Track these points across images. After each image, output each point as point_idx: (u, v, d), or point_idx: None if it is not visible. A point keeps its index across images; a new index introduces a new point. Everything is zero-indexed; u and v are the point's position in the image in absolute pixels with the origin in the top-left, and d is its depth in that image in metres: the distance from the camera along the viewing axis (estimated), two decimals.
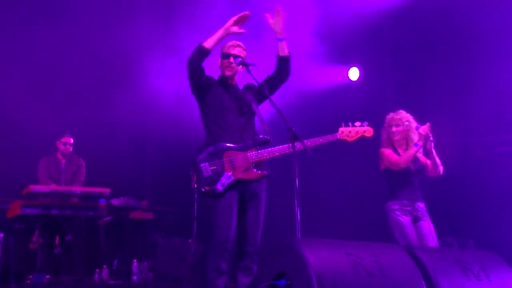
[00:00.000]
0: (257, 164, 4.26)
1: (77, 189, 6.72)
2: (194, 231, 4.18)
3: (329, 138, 4.38)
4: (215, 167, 4.18)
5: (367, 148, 7.90)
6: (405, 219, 5.23)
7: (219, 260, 4.05)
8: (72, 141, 7.22)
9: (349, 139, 4.43)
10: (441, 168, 5.33)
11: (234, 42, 4.44)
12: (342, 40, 8.07)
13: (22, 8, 7.67)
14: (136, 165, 8.52)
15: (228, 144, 4.25)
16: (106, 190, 6.65)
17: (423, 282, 3.15)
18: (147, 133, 8.77)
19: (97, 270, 6.15)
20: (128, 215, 6.86)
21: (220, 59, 4.46)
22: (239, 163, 4.22)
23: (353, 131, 4.44)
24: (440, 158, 5.37)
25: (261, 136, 4.34)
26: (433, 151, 5.28)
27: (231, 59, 4.36)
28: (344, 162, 8.19)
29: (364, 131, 4.49)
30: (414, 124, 5.41)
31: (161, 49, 8.02)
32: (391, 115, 5.54)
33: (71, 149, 7.22)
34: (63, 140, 7.19)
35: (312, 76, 8.35)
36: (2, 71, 7.48)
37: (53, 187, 6.60)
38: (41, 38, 7.56)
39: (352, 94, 8.59)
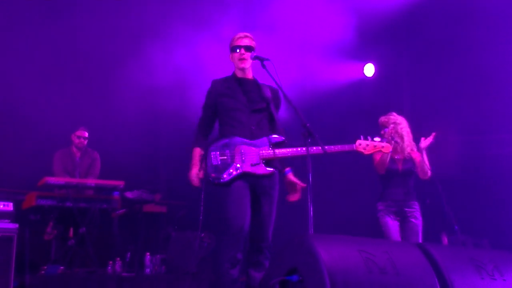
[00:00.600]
0: (268, 161, 4.26)
1: (92, 181, 6.77)
2: (200, 222, 4.16)
3: (345, 147, 4.36)
4: (225, 157, 4.20)
5: None
6: (388, 220, 5.36)
7: (233, 250, 4.05)
8: (87, 134, 7.26)
9: (366, 152, 4.40)
10: (429, 173, 5.41)
11: (241, 33, 4.42)
12: (358, 36, 8.02)
13: (33, 4, 7.71)
14: (150, 159, 8.56)
15: (243, 139, 4.26)
16: (120, 183, 6.69)
17: (436, 280, 3.12)
18: (161, 126, 8.80)
19: (110, 262, 6.19)
20: (141, 208, 6.89)
21: (230, 54, 4.45)
22: (250, 157, 4.22)
23: (371, 145, 4.41)
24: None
25: (276, 135, 4.33)
26: (424, 155, 5.36)
27: (242, 51, 4.35)
28: (360, 159, 8.16)
29: (383, 147, 4.44)
30: (402, 125, 5.45)
31: (173, 41, 8.03)
32: (381, 117, 5.57)
33: (85, 142, 7.27)
34: (78, 133, 7.24)
35: (327, 72, 8.32)
36: (17, 64, 7.54)
37: (68, 179, 6.66)
38: (55, 31, 7.62)
39: (367, 90, 8.55)
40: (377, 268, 2.99)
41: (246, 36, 4.40)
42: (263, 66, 4.33)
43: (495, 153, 7.84)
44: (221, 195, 4.18)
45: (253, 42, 4.42)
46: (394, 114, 5.53)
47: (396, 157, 5.47)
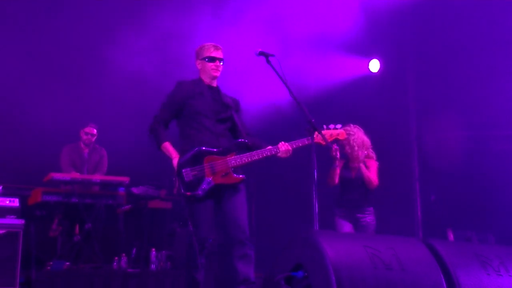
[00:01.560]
0: (236, 168, 4.33)
1: (97, 177, 6.78)
2: (192, 235, 4.25)
3: (304, 141, 4.39)
4: (196, 172, 4.26)
5: (387, 143, 7.85)
6: (342, 223, 5.65)
7: (198, 256, 4.21)
8: (95, 131, 7.25)
9: (324, 143, 4.40)
10: (372, 183, 5.62)
11: (213, 44, 4.56)
12: (363, 32, 8.00)
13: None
14: (156, 155, 8.55)
15: (208, 149, 4.32)
16: (126, 179, 6.70)
17: (442, 276, 3.12)
18: None
19: (116, 258, 6.21)
20: (147, 204, 6.91)
21: (200, 62, 4.54)
22: (219, 167, 4.29)
23: (327, 134, 4.43)
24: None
25: (240, 140, 4.43)
26: (362, 168, 5.60)
27: (218, 62, 4.50)
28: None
29: (338, 134, 4.51)
30: (355, 136, 5.67)
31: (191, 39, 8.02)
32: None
33: (93, 139, 7.26)
34: (86, 130, 7.23)
35: (333, 68, 8.31)
36: (23, 60, 7.56)
37: (74, 175, 6.66)
38: (60, 27, 7.64)
39: (372, 86, 8.53)
40: (382, 264, 2.99)
41: (219, 48, 4.55)
42: (268, 62, 4.34)
43: (501, 148, 7.82)
44: (192, 208, 4.27)
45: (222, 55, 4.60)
46: (351, 125, 5.75)
47: (351, 165, 5.73)
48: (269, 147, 4.38)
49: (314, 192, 4.08)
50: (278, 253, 3.37)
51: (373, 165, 5.71)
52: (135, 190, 6.75)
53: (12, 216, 5.36)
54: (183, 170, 4.26)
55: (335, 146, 5.36)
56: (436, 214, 7.80)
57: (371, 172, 5.65)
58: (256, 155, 4.32)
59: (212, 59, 4.50)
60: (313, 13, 7.71)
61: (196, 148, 4.30)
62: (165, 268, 6.36)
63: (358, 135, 5.68)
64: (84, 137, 7.22)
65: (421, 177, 8.10)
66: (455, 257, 3.26)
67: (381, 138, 8.10)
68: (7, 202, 5.46)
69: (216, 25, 7.63)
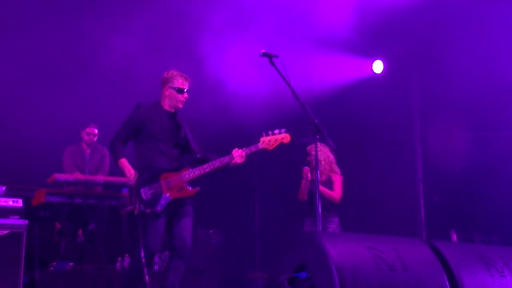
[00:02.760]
0: (191, 182, 4.61)
1: (101, 178, 6.79)
2: (140, 248, 4.49)
3: (252, 149, 4.64)
4: (153, 190, 4.53)
5: (391, 144, 7.85)
6: None
7: (145, 268, 4.49)
8: (96, 131, 7.27)
9: (270, 148, 4.63)
10: (335, 199, 6.02)
11: (182, 75, 4.80)
12: (367, 33, 7.99)
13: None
14: None
15: (163, 167, 4.60)
16: None
17: (445, 277, 3.11)
18: None
19: (119, 258, 6.21)
20: None
21: (169, 89, 4.76)
22: (174, 183, 4.56)
23: (273, 139, 4.62)
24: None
25: (194, 154, 4.73)
26: (323, 190, 5.83)
27: (186, 94, 4.77)
28: (367, 156, 8.16)
29: (282, 138, 4.65)
30: (321, 152, 5.90)
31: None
32: (308, 146, 6.13)
33: (95, 139, 7.28)
34: (87, 130, 7.25)
35: (336, 69, 8.31)
36: (26, 60, 7.57)
37: (77, 176, 6.67)
38: (63, 28, 7.65)
39: (376, 87, 8.52)
40: (385, 264, 2.99)
41: (188, 80, 4.81)
42: (272, 63, 4.35)
43: (504, 149, 7.80)
44: (147, 224, 4.53)
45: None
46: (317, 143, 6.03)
47: (314, 179, 5.90)
48: (221, 158, 4.62)
49: (317, 193, 4.09)
50: (282, 254, 3.37)
51: (338, 179, 6.12)
52: None
53: (16, 217, 5.38)
54: (141, 190, 4.53)
55: (305, 168, 5.83)
56: (440, 215, 7.79)
57: (336, 186, 6.06)
58: (207, 167, 4.58)
59: (181, 91, 4.76)
60: (316, 14, 7.71)
61: (152, 167, 4.58)
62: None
63: (323, 151, 5.98)
64: (86, 137, 7.24)
65: (424, 178, 8.09)
66: (459, 258, 3.25)
67: (384, 139, 8.13)
68: (11, 202, 5.47)
69: (222, 29, 7.63)
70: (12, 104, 7.54)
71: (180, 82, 4.76)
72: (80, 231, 6.40)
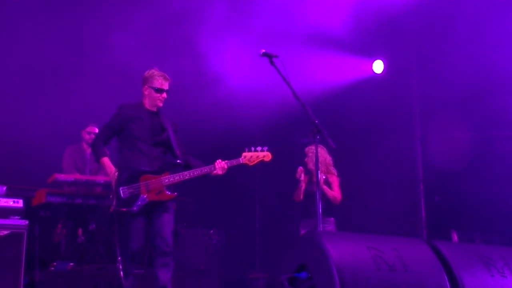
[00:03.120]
0: (169, 186, 4.71)
1: (101, 178, 6.78)
2: (123, 247, 4.72)
3: (233, 162, 4.80)
4: (132, 190, 4.63)
5: (391, 144, 7.85)
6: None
7: (128, 265, 4.72)
8: (97, 130, 7.26)
9: (250, 163, 4.82)
10: (337, 200, 6.13)
11: (162, 75, 4.88)
12: (367, 33, 7.99)
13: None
14: None
15: (144, 168, 4.68)
16: None
17: (446, 277, 3.11)
18: None
19: (119, 258, 6.20)
20: None
21: (148, 89, 4.86)
22: (153, 186, 4.65)
23: (254, 156, 4.81)
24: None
25: (174, 161, 4.81)
26: (326, 190, 6.02)
27: (165, 94, 4.86)
28: (367, 156, 8.16)
29: (264, 156, 4.85)
30: (312, 155, 6.01)
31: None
32: (305, 148, 6.34)
33: None
34: (88, 129, 7.25)
35: (336, 69, 8.31)
36: (25, 59, 7.57)
37: (77, 176, 6.68)
38: (64, 28, 7.65)
39: (376, 87, 8.52)
40: (386, 265, 2.99)
41: (168, 80, 4.89)
42: (272, 63, 4.36)
43: (505, 149, 7.80)
44: (126, 223, 4.67)
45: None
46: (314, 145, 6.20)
47: (314, 180, 5.92)
48: (203, 167, 4.75)
49: (317, 193, 4.09)
50: (282, 254, 3.37)
51: (335, 180, 6.23)
52: None
53: (16, 217, 5.38)
54: (120, 188, 4.63)
55: (299, 168, 5.96)
56: (440, 215, 7.79)
57: (334, 187, 6.16)
58: (188, 174, 4.72)
59: (160, 91, 4.85)
60: (317, 13, 7.71)
61: (133, 168, 4.67)
62: None
63: (321, 153, 5.98)
64: (87, 136, 7.23)
65: (424, 178, 8.09)
66: (459, 258, 3.25)
67: (384, 139, 8.13)
68: (11, 203, 5.47)
69: (221, 28, 7.63)
70: (12, 104, 7.54)
71: (159, 82, 4.84)
72: (80, 231, 6.40)
